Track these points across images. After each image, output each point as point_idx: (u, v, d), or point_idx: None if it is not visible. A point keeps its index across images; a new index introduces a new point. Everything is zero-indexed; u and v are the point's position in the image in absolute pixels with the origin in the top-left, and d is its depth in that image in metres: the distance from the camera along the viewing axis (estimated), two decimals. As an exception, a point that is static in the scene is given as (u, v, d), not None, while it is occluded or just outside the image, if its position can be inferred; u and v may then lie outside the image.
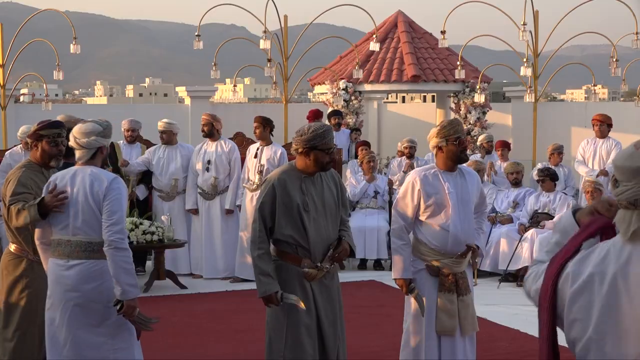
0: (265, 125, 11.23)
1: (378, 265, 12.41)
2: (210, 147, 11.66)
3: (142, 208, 11.88)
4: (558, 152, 12.71)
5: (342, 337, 5.82)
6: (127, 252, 5.32)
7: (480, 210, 6.38)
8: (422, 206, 6.00)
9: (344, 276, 11.47)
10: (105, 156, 5.54)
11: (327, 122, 14.32)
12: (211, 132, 11.66)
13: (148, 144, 12.36)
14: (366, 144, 13.63)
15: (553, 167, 12.40)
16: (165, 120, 12.08)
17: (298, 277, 5.60)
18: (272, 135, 11.33)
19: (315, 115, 14.10)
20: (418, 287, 6.00)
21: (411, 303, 6.08)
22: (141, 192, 12.00)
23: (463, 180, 6.09)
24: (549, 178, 11.68)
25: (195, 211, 11.74)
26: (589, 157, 12.57)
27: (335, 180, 5.91)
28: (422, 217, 6.03)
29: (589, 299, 2.76)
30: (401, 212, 6.08)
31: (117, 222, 5.32)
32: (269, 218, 5.59)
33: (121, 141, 12.19)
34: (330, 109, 16.17)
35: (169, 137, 11.90)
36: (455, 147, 5.96)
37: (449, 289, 5.99)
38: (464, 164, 6.28)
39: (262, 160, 11.16)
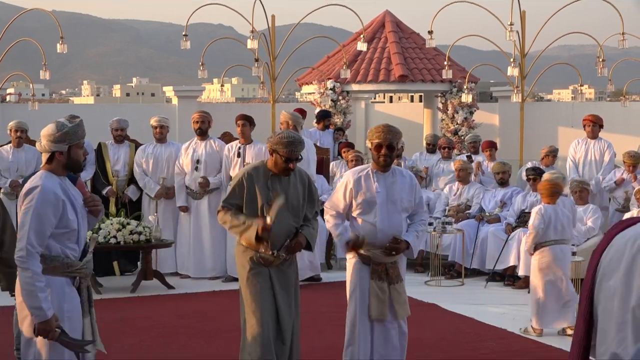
0: (251, 123, 11.29)
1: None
2: (199, 146, 11.64)
3: (135, 208, 11.85)
4: (553, 154, 12.70)
5: (297, 319, 6.47)
6: (29, 273, 4.90)
7: (415, 220, 6.76)
8: (354, 204, 6.54)
9: (330, 276, 11.52)
10: (67, 161, 5.15)
11: (315, 122, 14.34)
12: (207, 129, 11.66)
13: (136, 143, 12.33)
14: (350, 145, 13.57)
15: (545, 167, 12.42)
16: (158, 116, 12.06)
17: (255, 260, 6.28)
18: None
19: (300, 114, 14.08)
20: (354, 273, 6.54)
21: (348, 288, 6.61)
22: (133, 193, 11.95)
23: (394, 181, 6.57)
24: (539, 177, 11.71)
25: (186, 208, 11.71)
26: (580, 157, 12.57)
27: (305, 181, 6.51)
28: (354, 214, 6.56)
29: None
30: (334, 205, 6.65)
31: (21, 239, 4.96)
32: (235, 208, 6.37)
33: (109, 141, 12.14)
34: (317, 109, 16.17)
35: (164, 132, 11.85)
36: (375, 152, 6.48)
37: (380, 277, 6.47)
38: (401, 167, 6.92)
39: (247, 158, 11.15)
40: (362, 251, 6.48)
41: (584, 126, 12.64)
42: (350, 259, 6.60)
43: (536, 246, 8.66)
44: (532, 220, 8.69)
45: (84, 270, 5.25)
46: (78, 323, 5.20)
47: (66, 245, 5.15)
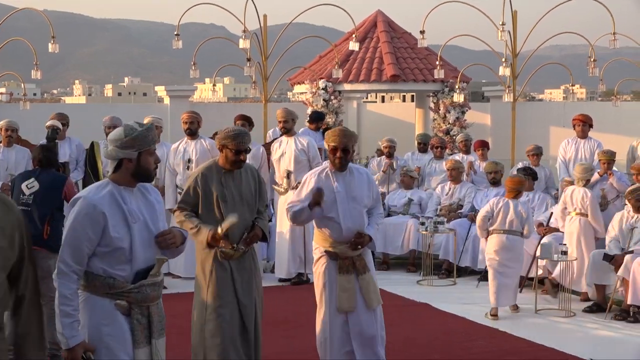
0: (250, 124, 11.33)
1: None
2: (190, 145, 11.62)
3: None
4: (534, 153, 12.72)
5: (260, 307, 6.63)
6: (57, 293, 4.52)
7: (373, 213, 7.11)
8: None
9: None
10: (136, 170, 4.71)
11: (306, 123, 14.33)
12: (197, 130, 11.64)
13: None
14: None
15: (534, 167, 12.44)
16: (151, 116, 12.02)
17: (216, 256, 6.45)
18: None
19: None
20: (323, 269, 6.88)
21: (317, 285, 6.93)
22: None
23: (352, 179, 6.90)
24: (530, 177, 11.75)
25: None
26: (571, 157, 12.56)
27: (255, 176, 6.78)
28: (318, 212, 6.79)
29: None
30: (296, 201, 6.93)
31: (59, 257, 4.57)
32: (190, 207, 6.57)
33: (102, 140, 12.09)
34: (310, 109, 16.17)
35: (158, 131, 11.81)
36: (331, 155, 6.82)
37: (346, 270, 6.82)
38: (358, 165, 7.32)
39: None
40: (322, 242, 6.87)
41: (574, 126, 12.65)
42: (318, 258, 6.94)
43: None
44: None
45: (135, 294, 4.64)
46: (122, 352, 4.63)
47: (113, 265, 4.61)
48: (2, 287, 3.73)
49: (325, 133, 7.09)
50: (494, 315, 9.39)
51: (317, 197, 6.66)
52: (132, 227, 4.62)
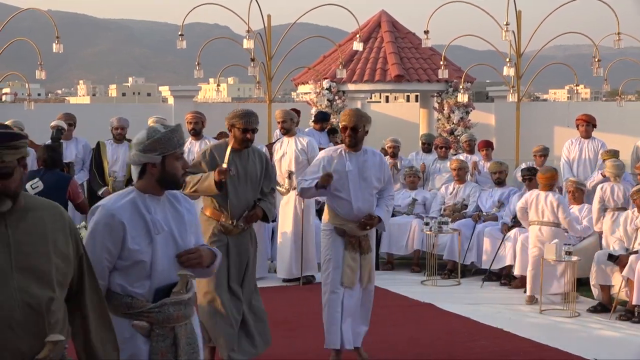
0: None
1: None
2: (194, 146, 11.63)
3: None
4: (541, 154, 12.69)
5: (253, 283, 7.09)
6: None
7: (384, 195, 7.44)
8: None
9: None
10: (161, 175, 4.32)
11: (311, 123, 14.31)
12: (201, 130, 11.65)
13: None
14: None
15: (538, 167, 12.42)
16: (156, 116, 12.00)
17: (216, 229, 6.80)
18: None
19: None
20: (329, 243, 7.26)
21: (324, 258, 7.34)
22: None
23: (365, 160, 7.24)
24: (535, 177, 11.74)
25: None
26: (575, 157, 12.55)
27: (262, 158, 7.17)
28: (331, 189, 7.15)
29: None
30: (307, 174, 7.39)
31: None
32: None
33: (109, 140, 12.08)
34: (314, 109, 16.16)
35: None
36: (342, 133, 7.24)
37: (353, 248, 7.21)
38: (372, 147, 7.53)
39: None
40: (332, 218, 7.22)
41: (577, 126, 12.63)
42: (326, 230, 7.31)
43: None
44: None
45: (156, 314, 4.17)
46: None
47: (132, 281, 4.19)
48: (61, 307, 3.46)
49: (341, 114, 7.40)
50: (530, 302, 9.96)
51: (324, 181, 7.00)
52: (155, 239, 4.19)
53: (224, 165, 6.64)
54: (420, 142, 14.36)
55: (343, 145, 7.31)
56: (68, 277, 3.49)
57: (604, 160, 11.50)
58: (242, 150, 6.98)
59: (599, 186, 10.96)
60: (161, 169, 4.29)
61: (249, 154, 7.04)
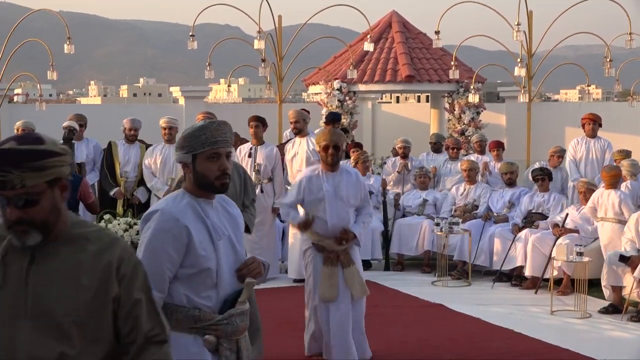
0: (264, 125, 11.33)
1: (368, 264, 12.45)
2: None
3: (143, 208, 11.80)
4: (559, 155, 12.65)
5: None
6: None
7: (362, 212, 7.60)
8: (306, 199, 7.36)
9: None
10: (194, 177, 3.89)
11: (321, 123, 14.31)
12: None
13: (144, 143, 12.30)
14: (358, 145, 13.56)
15: (552, 168, 12.39)
16: (167, 117, 12.01)
17: None
18: None
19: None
20: (310, 260, 7.46)
21: (307, 275, 7.57)
22: (142, 194, 11.89)
23: (341, 179, 7.39)
24: (546, 177, 11.73)
25: None
26: (582, 156, 12.50)
27: (240, 173, 7.59)
28: (307, 208, 7.33)
29: None
30: (287, 198, 7.66)
31: None
32: None
33: (121, 140, 12.09)
34: (324, 110, 16.16)
35: (173, 133, 11.79)
36: (323, 153, 7.34)
37: (332, 263, 7.36)
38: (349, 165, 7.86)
39: (257, 159, 11.21)
40: (310, 235, 7.38)
41: (583, 125, 12.53)
42: (307, 249, 7.51)
43: None
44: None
45: (224, 326, 3.83)
46: None
47: (197, 291, 3.80)
48: (105, 341, 2.93)
49: (316, 135, 7.74)
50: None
51: (303, 228, 7.28)
52: (217, 245, 3.83)
53: None
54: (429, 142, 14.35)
55: (319, 165, 7.50)
56: (103, 330, 2.90)
57: (615, 160, 11.48)
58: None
59: (628, 182, 11.00)
60: (193, 169, 3.87)
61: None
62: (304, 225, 7.28)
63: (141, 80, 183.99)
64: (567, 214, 10.99)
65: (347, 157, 13.74)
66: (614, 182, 10.50)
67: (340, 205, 7.36)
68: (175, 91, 18.71)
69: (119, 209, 11.58)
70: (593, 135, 12.40)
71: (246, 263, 3.94)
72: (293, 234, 11.44)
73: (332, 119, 13.94)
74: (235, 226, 4.00)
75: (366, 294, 7.56)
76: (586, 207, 10.71)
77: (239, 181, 7.52)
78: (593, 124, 12.38)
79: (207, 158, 3.83)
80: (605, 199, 10.40)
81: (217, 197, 3.98)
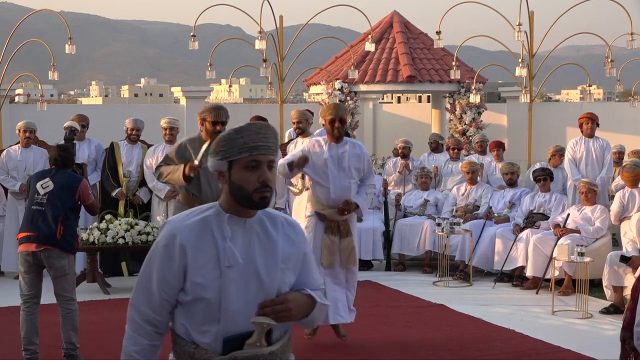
0: None
1: (369, 265, 12.46)
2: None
3: (144, 209, 11.81)
4: (560, 154, 12.65)
5: None
6: (123, 348, 3.39)
7: (365, 183, 8.01)
8: (310, 164, 7.74)
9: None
10: (230, 188, 3.30)
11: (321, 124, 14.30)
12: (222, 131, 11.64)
13: (145, 144, 12.29)
14: (359, 145, 13.59)
15: (552, 168, 12.38)
16: (168, 117, 12.00)
17: None
18: None
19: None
20: (312, 227, 7.89)
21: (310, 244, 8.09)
22: (144, 195, 11.88)
23: (344, 151, 7.82)
24: (549, 177, 11.72)
25: None
26: (581, 156, 12.46)
27: None
28: (312, 175, 7.81)
29: None
30: (288, 157, 7.99)
31: (131, 299, 3.46)
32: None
33: (123, 140, 12.08)
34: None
35: (174, 133, 11.79)
36: (329, 126, 7.79)
37: (332, 232, 7.84)
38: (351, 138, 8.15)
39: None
40: (313, 202, 7.86)
41: (581, 125, 12.46)
42: (309, 217, 7.95)
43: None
44: None
45: None
46: None
47: (194, 323, 3.25)
48: None
49: (321, 110, 8.03)
50: None
51: (299, 162, 7.58)
52: (225, 273, 3.20)
53: (196, 162, 7.06)
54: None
55: (324, 137, 7.91)
56: None
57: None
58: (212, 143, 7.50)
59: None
60: (228, 179, 3.29)
61: None
62: (301, 160, 7.61)
63: (142, 80, 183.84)
64: (568, 214, 10.98)
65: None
66: (638, 180, 10.82)
67: (342, 175, 7.78)
68: (177, 91, 18.69)
69: (120, 209, 11.59)
70: (591, 134, 12.35)
71: (274, 301, 3.24)
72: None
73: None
74: (270, 252, 3.30)
75: (354, 265, 8.05)
76: (614, 209, 10.87)
77: None
78: (591, 123, 12.34)
79: (244, 166, 3.24)
80: (633, 198, 10.73)
81: (261, 215, 3.36)
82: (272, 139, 3.28)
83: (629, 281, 9.46)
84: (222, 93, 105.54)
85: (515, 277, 11.24)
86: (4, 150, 12.18)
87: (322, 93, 17.41)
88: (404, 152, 13.49)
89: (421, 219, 12.46)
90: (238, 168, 3.24)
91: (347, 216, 7.88)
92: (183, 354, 3.26)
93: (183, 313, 3.26)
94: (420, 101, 44.48)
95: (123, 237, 10.54)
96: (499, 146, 13.25)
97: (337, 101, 16.50)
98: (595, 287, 10.25)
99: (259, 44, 14.65)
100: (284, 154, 11.77)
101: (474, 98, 16.01)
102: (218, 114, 7.46)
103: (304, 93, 57.76)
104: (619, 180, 11.83)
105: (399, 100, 54.29)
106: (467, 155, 14.88)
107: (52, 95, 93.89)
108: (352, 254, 7.97)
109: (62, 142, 9.61)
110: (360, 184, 7.99)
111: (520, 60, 15.27)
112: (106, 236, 10.47)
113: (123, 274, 11.69)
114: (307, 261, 3.44)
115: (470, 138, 16.19)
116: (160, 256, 3.27)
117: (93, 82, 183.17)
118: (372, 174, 8.12)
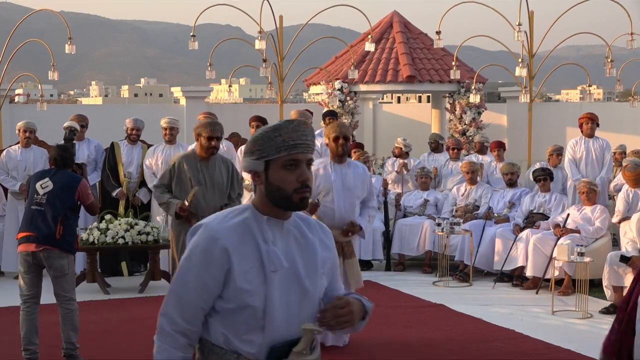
0: (265, 125, 11.30)
1: (369, 265, 12.45)
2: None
3: (144, 209, 11.80)
4: (558, 153, 12.65)
5: None
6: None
7: (367, 205, 8.07)
8: (315, 190, 7.70)
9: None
10: (266, 189, 3.11)
11: (322, 122, 14.32)
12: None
13: (145, 144, 12.29)
14: (359, 145, 13.56)
15: (552, 168, 12.38)
16: (168, 117, 11.99)
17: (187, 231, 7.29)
18: None
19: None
20: None
21: None
22: (144, 195, 11.87)
23: (348, 171, 7.86)
24: (548, 177, 11.72)
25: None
26: (582, 156, 12.45)
27: (228, 167, 8.04)
28: (319, 198, 7.76)
29: None
30: None
31: (162, 308, 3.24)
32: (165, 186, 7.94)
33: (123, 140, 12.07)
34: (325, 109, 16.16)
35: (174, 133, 11.77)
36: (334, 144, 7.79)
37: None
38: (352, 159, 8.37)
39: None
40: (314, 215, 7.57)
41: (581, 124, 12.45)
42: None
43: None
44: None
45: None
46: None
47: (237, 332, 3.06)
48: None
49: (324, 129, 8.14)
50: None
51: (311, 210, 7.56)
52: (270, 278, 3.04)
53: (186, 203, 7.60)
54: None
55: (327, 159, 7.95)
56: None
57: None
58: (208, 158, 7.87)
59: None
60: (265, 180, 3.11)
61: (216, 163, 7.94)
62: (311, 209, 7.57)
63: (142, 80, 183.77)
64: (568, 214, 10.98)
65: (349, 157, 13.75)
66: (637, 180, 10.79)
67: (347, 196, 7.79)
68: (177, 91, 18.69)
69: (120, 209, 11.58)
70: (591, 134, 12.35)
71: (335, 305, 3.09)
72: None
73: (330, 113, 14.04)
74: (310, 257, 3.17)
75: (360, 286, 7.95)
76: (619, 208, 10.80)
77: (226, 174, 7.98)
78: (591, 123, 12.34)
79: (282, 166, 3.07)
80: (636, 197, 10.73)
81: (296, 218, 3.23)
82: (310, 137, 3.14)
83: (629, 281, 9.45)
84: (222, 93, 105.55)
85: (515, 277, 11.24)
86: (4, 150, 12.18)
87: (322, 93, 17.41)
88: (402, 152, 13.49)
89: (421, 219, 12.46)
90: (276, 168, 3.07)
91: (351, 237, 7.89)
92: None
93: (222, 321, 3.07)
94: (420, 101, 44.47)
95: (123, 237, 10.54)
96: (500, 146, 13.25)
97: (337, 101, 16.50)
98: (595, 287, 10.24)
99: (259, 44, 14.65)
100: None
101: (474, 98, 16.01)
102: (213, 130, 7.75)
103: (303, 93, 57.77)
104: (618, 180, 11.82)
105: (398, 100, 54.30)
106: (467, 155, 14.87)
107: (52, 95, 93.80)
108: (358, 274, 8.00)
109: (62, 142, 9.62)
110: (362, 205, 8.04)
111: (520, 60, 15.27)
112: (106, 236, 10.47)
113: (123, 274, 11.69)
114: (336, 267, 3.37)
115: (470, 138, 16.19)
116: (199, 261, 3.04)
117: (93, 82, 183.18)
118: (373, 195, 8.19)
